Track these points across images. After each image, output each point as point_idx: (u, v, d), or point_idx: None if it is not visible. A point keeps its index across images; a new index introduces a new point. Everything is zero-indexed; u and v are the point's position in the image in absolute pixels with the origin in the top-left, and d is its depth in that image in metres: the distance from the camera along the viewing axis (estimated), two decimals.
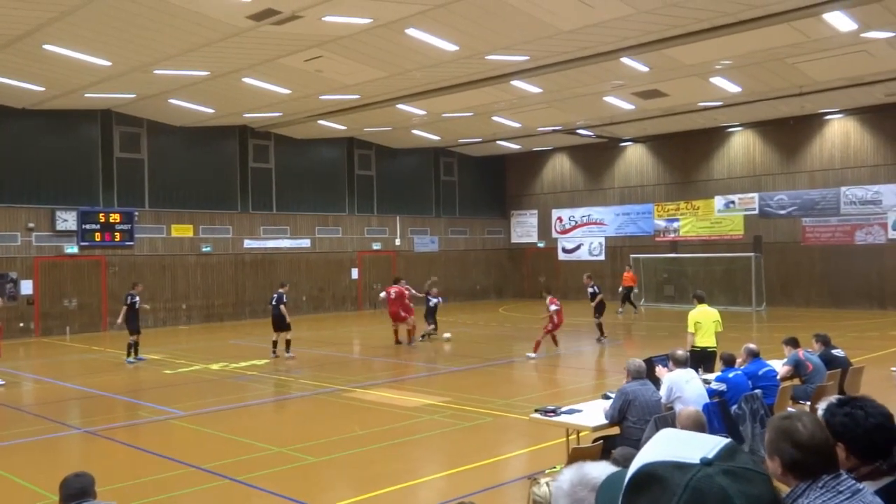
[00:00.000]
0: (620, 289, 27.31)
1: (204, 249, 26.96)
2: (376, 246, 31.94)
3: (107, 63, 18.14)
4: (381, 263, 31.95)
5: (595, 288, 20.69)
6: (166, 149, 26.22)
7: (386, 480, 8.35)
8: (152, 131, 25.86)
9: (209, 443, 10.40)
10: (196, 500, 7.97)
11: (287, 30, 15.76)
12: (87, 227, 24.21)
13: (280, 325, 17.75)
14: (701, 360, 11.39)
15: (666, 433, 1.24)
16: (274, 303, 18.05)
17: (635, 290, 27.89)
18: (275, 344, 17.97)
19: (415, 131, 29.35)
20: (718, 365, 9.85)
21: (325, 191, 30.44)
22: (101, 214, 24.51)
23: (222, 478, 8.51)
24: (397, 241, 32.62)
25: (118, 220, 24.86)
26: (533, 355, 17.30)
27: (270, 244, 28.69)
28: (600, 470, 1.57)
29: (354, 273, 31.15)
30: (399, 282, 20.31)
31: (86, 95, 21.76)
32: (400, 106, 24.07)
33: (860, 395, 3.08)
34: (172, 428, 11.29)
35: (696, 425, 5.45)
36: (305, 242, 29.73)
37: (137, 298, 18.06)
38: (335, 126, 27.61)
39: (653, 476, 1.14)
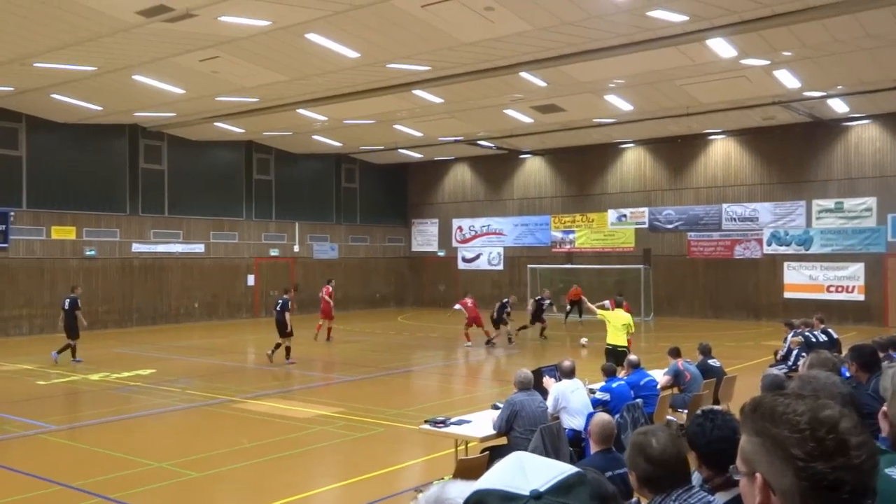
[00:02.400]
0: (567, 304, 27.30)
1: (88, 253, 25.59)
2: (274, 252, 31.26)
3: None
4: (279, 270, 31.29)
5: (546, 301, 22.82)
6: (48, 146, 24.74)
7: (274, 494, 8.13)
8: (32, 127, 24.35)
9: (83, 459, 9.83)
10: None
11: (180, 28, 15.21)
12: None
13: (282, 330, 17.74)
14: (611, 355, 12.46)
15: (514, 458, 1.22)
16: (278, 308, 18.02)
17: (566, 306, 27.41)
18: (277, 346, 17.85)
19: (316, 137, 28.95)
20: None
21: (221, 195, 29.53)
22: None
23: (94, 496, 8.04)
24: (296, 248, 32.04)
25: None
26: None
27: (161, 248, 27.56)
28: (458, 490, 1.53)
29: (251, 279, 30.35)
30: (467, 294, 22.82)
31: None
32: (300, 111, 23.69)
33: (719, 408, 3.24)
34: (43, 443, 10.60)
35: (605, 434, 5.58)
36: (199, 247, 28.74)
37: (76, 301, 18.27)
38: (233, 129, 26.87)
39: (480, 503, 1.12)
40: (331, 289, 22.61)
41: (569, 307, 26.95)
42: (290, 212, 31.90)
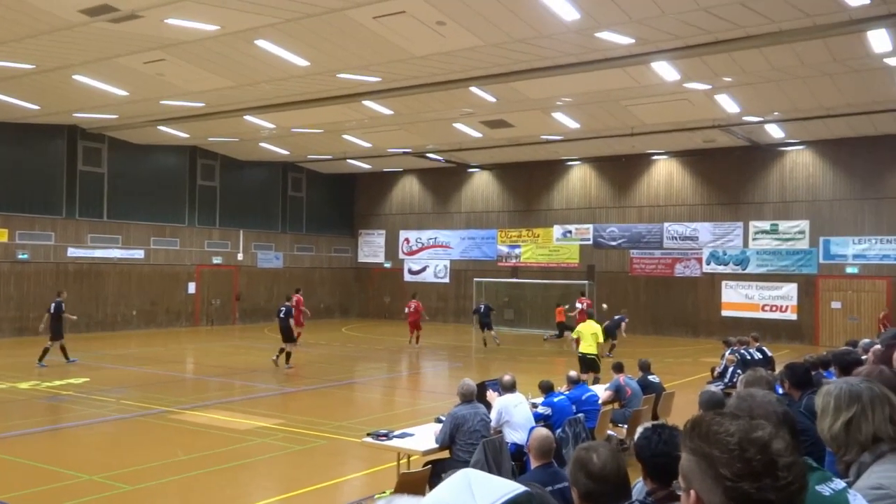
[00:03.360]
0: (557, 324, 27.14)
1: (20, 256, 24.66)
2: (217, 260, 30.66)
3: None
4: (222, 278, 30.71)
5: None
6: None
7: None
8: None
9: (8, 471, 9.41)
10: None
11: (125, 28, 14.87)
12: None
13: (286, 336, 18.44)
14: (582, 362, 14.60)
15: (462, 476, 1.21)
16: (282, 315, 18.67)
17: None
18: (281, 351, 18.47)
19: (263, 144, 28.59)
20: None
21: (163, 200, 28.85)
22: None
23: None
24: (240, 256, 31.50)
25: None
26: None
27: (99, 254, 26.75)
28: None
29: (191, 287, 29.69)
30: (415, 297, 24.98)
31: None
32: (247, 117, 23.37)
33: (667, 423, 3.30)
34: None
35: (544, 448, 5.60)
36: (139, 253, 28.00)
37: (63, 305, 18.66)
38: (177, 133, 26.32)
39: None
40: (300, 297, 23.05)
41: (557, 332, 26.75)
42: (235, 219, 31.37)
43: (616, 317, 22.59)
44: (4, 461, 9.87)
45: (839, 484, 2.16)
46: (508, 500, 1.12)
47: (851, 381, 2.53)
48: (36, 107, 22.20)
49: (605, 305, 25.31)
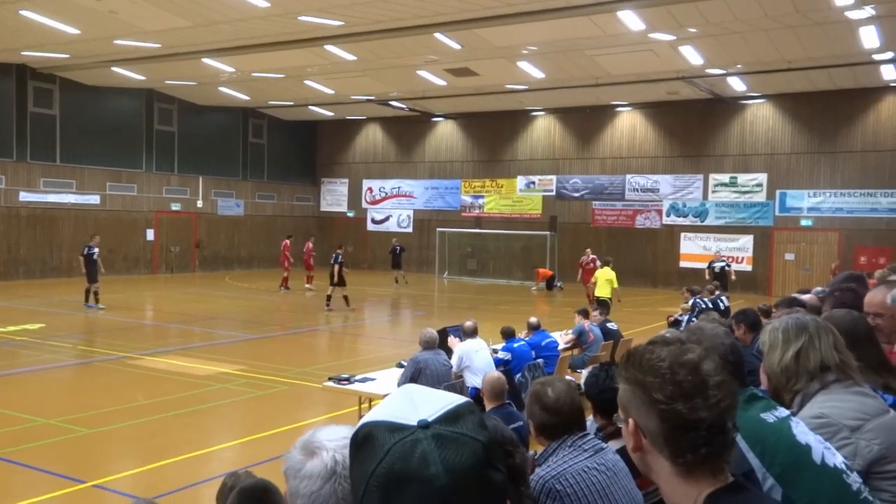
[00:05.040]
0: (541, 283, 27.52)
1: None
2: (175, 207, 30.11)
3: None
4: (181, 225, 30.22)
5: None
6: None
7: (171, 451, 7.96)
8: None
9: None
10: None
11: None
12: None
13: (339, 280, 19.84)
14: (599, 304, 15.72)
15: (404, 390, 1.22)
16: (332, 262, 20.07)
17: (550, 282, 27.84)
18: (329, 298, 19.85)
19: (222, 88, 27.87)
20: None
21: (119, 144, 28.07)
22: None
23: None
24: (199, 203, 30.97)
25: None
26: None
27: (52, 198, 26.05)
28: (327, 434, 1.51)
29: (150, 234, 29.18)
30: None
31: None
32: (206, 60, 22.71)
33: (615, 363, 3.38)
34: None
35: (496, 390, 5.70)
36: (94, 199, 27.34)
37: (96, 249, 19.15)
38: (132, 75, 25.49)
39: (368, 436, 1.12)
40: (288, 243, 25.63)
41: (542, 284, 27.23)
42: (194, 165, 30.73)
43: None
44: None
45: (783, 412, 2.24)
46: (449, 411, 1.13)
47: (796, 315, 2.60)
48: None
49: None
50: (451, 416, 1.12)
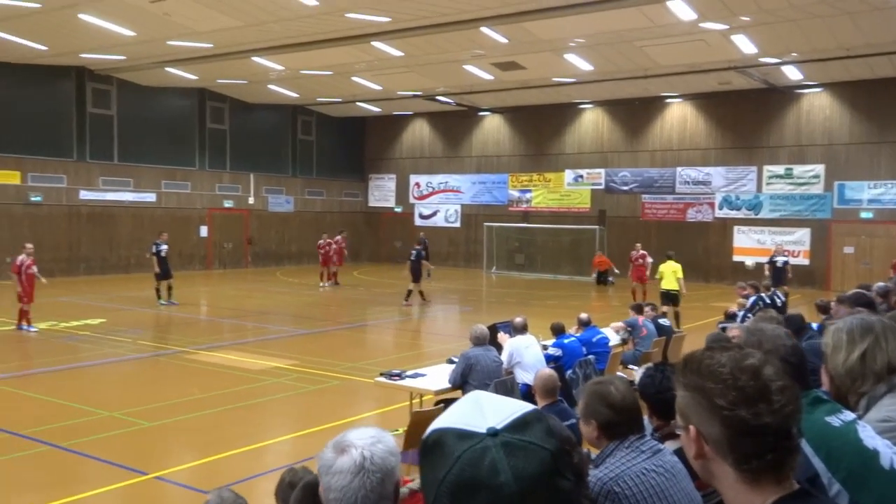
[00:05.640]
0: (595, 272, 27.43)
1: (33, 199, 24.79)
2: (228, 203, 30.72)
3: None
4: (233, 222, 30.83)
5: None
6: None
7: (226, 444, 8.15)
8: None
9: (30, 407, 9.68)
10: (13, 468, 7.41)
11: None
12: None
13: (415, 276, 20.12)
14: (666, 297, 16.76)
15: (472, 397, 1.23)
16: (413, 258, 20.31)
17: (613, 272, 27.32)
18: (409, 293, 20.09)
19: (272, 86, 28.31)
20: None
21: (173, 143, 28.77)
22: None
23: (43, 444, 7.96)
24: (251, 200, 31.54)
25: None
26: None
27: (111, 196, 26.84)
28: (358, 434, 1.69)
29: (203, 231, 29.84)
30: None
31: None
32: (256, 59, 23.10)
33: (672, 363, 3.35)
34: None
35: (548, 387, 5.69)
36: (150, 196, 28.08)
37: (164, 247, 19.43)
38: (185, 75, 26.07)
39: (437, 442, 1.14)
40: (339, 238, 25.70)
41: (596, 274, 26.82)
42: (245, 163, 31.30)
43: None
44: (28, 398, 10.13)
45: (848, 415, 2.19)
46: (517, 418, 1.14)
47: (860, 315, 2.54)
48: (43, 47, 22.00)
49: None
50: (520, 424, 1.13)
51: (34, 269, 15.45)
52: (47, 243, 24.90)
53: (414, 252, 20.72)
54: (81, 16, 18.46)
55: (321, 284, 24.54)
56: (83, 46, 22.00)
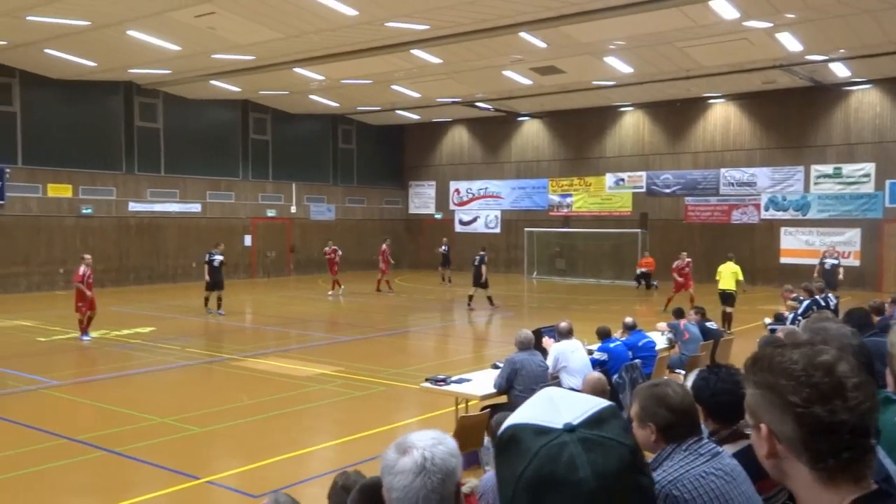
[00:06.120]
0: (638, 271, 27.35)
1: (84, 211, 25.48)
2: (271, 213, 31.17)
3: None
4: (276, 230, 31.25)
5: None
6: (42, 102, 24.47)
7: (274, 450, 8.24)
8: (26, 83, 24.04)
9: (84, 413, 9.93)
10: (69, 473, 7.60)
11: None
12: None
13: (476, 280, 20.63)
14: (722, 297, 17.14)
15: (545, 393, 1.23)
16: (476, 263, 20.87)
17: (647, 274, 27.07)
18: (470, 298, 20.71)
19: (312, 96, 28.68)
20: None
21: (217, 154, 29.32)
22: None
23: (98, 449, 8.15)
24: (293, 209, 31.95)
25: None
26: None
27: (158, 208, 27.45)
28: (419, 436, 1.72)
29: (247, 240, 30.31)
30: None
31: None
32: (297, 70, 23.43)
33: (726, 364, 3.29)
34: (44, 398, 10.69)
35: (597, 392, 5.64)
36: (196, 207, 28.64)
37: (218, 257, 19.51)
38: (229, 87, 26.57)
39: (513, 438, 1.14)
40: (384, 247, 25.82)
41: (640, 275, 26.62)
42: (287, 172, 31.73)
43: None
44: (83, 404, 10.40)
45: None
46: (593, 414, 1.13)
47: None
48: (93, 63, 22.64)
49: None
50: (596, 420, 1.12)
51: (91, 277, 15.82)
52: (98, 254, 25.44)
53: (477, 258, 21.07)
54: (129, 32, 18.97)
55: (329, 293, 24.41)
56: (131, 62, 22.58)
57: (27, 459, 7.85)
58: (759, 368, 1.44)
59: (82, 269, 15.52)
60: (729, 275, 17.39)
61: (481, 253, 21.28)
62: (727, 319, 16.74)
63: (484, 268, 20.65)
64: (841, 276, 20.27)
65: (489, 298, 20.76)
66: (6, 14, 17.34)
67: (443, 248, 28.66)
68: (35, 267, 24.28)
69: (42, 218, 24.56)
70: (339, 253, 25.03)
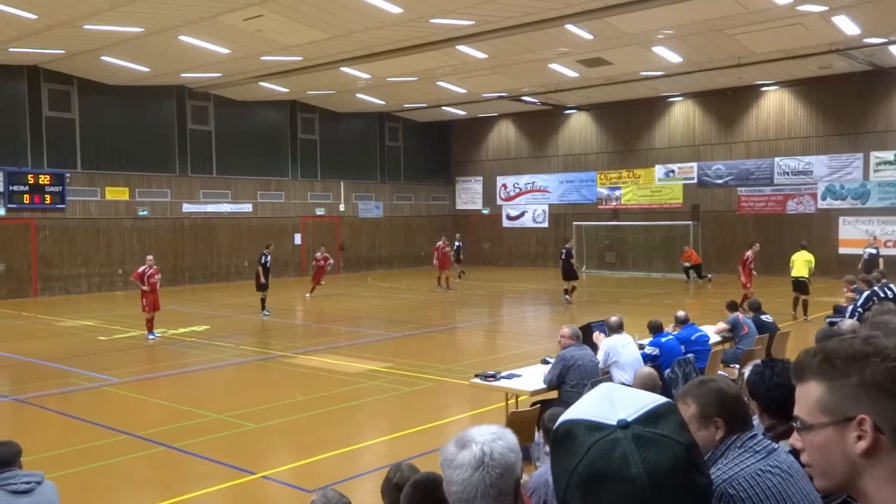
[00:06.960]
0: (686, 264, 26.99)
1: (141, 213, 26.21)
2: (320, 211, 31.56)
3: (32, 16, 17.26)
4: (325, 229, 31.63)
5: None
6: (99, 108, 25.24)
7: (327, 445, 8.37)
8: (84, 90, 24.83)
9: (145, 410, 10.23)
10: (131, 467, 7.85)
11: None
12: (15, 188, 23.25)
13: (568, 275, 20.96)
14: (795, 285, 17.53)
15: (603, 388, 1.23)
16: (563, 256, 21.26)
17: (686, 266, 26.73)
18: (566, 291, 21.00)
19: (359, 95, 28.91)
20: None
21: (267, 154, 29.82)
22: (29, 176, 23.55)
23: (159, 445, 8.40)
24: (342, 207, 32.29)
25: (48, 182, 23.93)
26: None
27: (210, 208, 28.06)
28: (480, 431, 1.75)
29: (297, 238, 30.76)
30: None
31: (10, 50, 20.72)
32: (344, 69, 23.64)
33: (781, 358, 3.21)
34: (106, 395, 11.05)
35: (648, 387, 5.57)
36: (247, 207, 29.18)
37: (269, 258, 19.58)
38: (277, 88, 26.98)
39: (568, 433, 1.14)
40: (439, 244, 26.13)
41: (687, 267, 26.17)
42: (335, 171, 32.09)
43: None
44: (142, 401, 10.72)
45: None
46: (649, 411, 1.13)
47: None
48: (146, 69, 23.25)
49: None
50: (651, 417, 1.11)
51: (157, 277, 16.25)
52: (154, 255, 26.15)
53: (564, 251, 21.42)
54: (181, 37, 19.41)
55: (308, 294, 23.32)
56: (182, 66, 23.12)
57: (96, 454, 8.14)
58: (839, 360, 1.36)
59: (142, 268, 15.99)
60: (802, 263, 17.56)
61: (567, 247, 21.58)
62: (804, 306, 17.22)
63: (572, 261, 21.04)
64: (881, 267, 19.57)
65: (566, 291, 20.94)
66: (65, 24, 17.92)
67: (456, 243, 28.94)
68: (95, 268, 25.07)
69: (101, 220, 25.35)
70: (331, 261, 24.11)
